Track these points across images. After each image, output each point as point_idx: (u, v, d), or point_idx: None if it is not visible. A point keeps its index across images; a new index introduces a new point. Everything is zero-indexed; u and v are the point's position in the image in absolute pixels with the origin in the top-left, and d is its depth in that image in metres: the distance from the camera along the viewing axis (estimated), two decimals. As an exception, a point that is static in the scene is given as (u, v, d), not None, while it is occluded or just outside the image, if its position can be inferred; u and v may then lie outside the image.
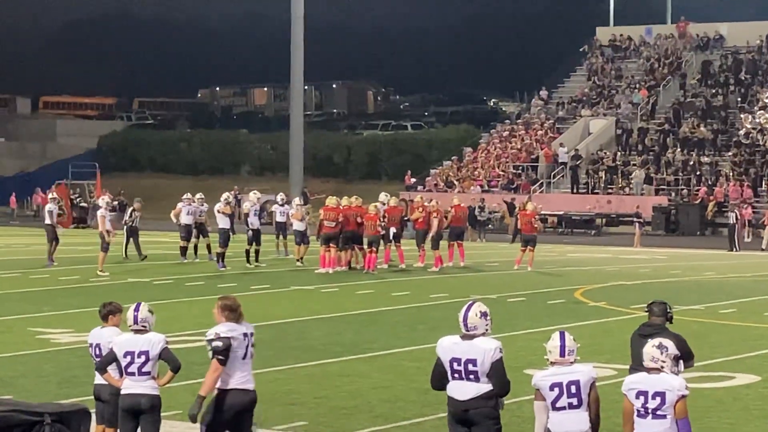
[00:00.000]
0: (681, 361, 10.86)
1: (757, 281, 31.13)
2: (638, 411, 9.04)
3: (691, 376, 10.83)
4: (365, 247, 31.43)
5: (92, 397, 11.17)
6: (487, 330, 9.74)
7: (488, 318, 9.75)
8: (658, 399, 8.98)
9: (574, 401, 9.18)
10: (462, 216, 34.72)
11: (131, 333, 10.54)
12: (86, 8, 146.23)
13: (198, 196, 34.73)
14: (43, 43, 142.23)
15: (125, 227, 34.44)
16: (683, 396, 9.03)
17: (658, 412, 8.98)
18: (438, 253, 32.37)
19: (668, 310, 11.32)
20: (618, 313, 23.39)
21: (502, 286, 27.96)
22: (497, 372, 9.53)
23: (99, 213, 30.75)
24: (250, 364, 10.25)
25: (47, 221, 32.37)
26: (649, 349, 9.23)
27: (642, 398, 9.02)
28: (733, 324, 22.09)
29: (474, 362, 9.55)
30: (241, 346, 10.17)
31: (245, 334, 10.24)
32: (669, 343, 9.29)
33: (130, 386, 10.43)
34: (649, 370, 9.15)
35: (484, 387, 9.54)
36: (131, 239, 34.06)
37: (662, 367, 9.15)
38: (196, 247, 34.29)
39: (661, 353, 9.18)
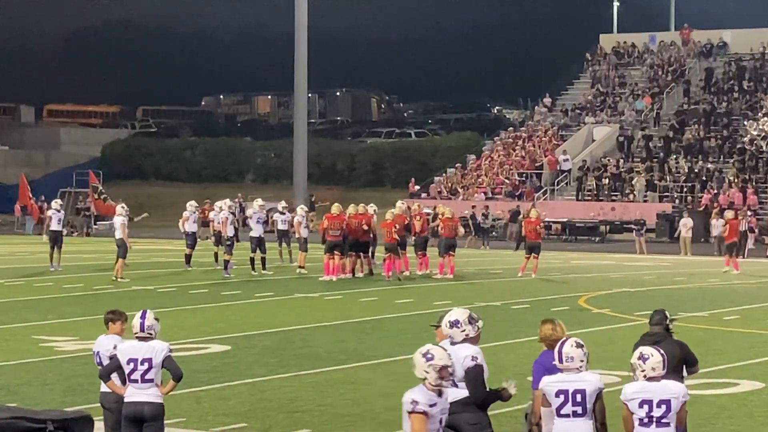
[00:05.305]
0: (684, 367, 10.86)
1: (762, 288, 31.10)
2: (641, 420, 9.00)
3: (696, 383, 10.83)
4: (372, 253, 31.50)
5: (97, 404, 11.16)
6: (467, 336, 9.80)
7: (462, 325, 9.82)
8: (664, 407, 8.95)
9: (579, 410, 9.15)
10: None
11: (135, 340, 10.51)
12: (90, 17, 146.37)
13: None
14: (46, 51, 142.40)
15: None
16: (685, 402, 9.04)
17: (663, 420, 8.95)
18: (442, 261, 32.39)
19: (667, 319, 11.21)
20: (622, 320, 23.37)
21: (506, 293, 27.95)
22: (469, 379, 9.60)
23: (119, 220, 30.71)
24: None
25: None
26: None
27: (646, 407, 8.97)
28: (738, 331, 22.08)
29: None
30: None
31: None
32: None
33: (133, 394, 10.39)
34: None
35: (462, 392, 9.57)
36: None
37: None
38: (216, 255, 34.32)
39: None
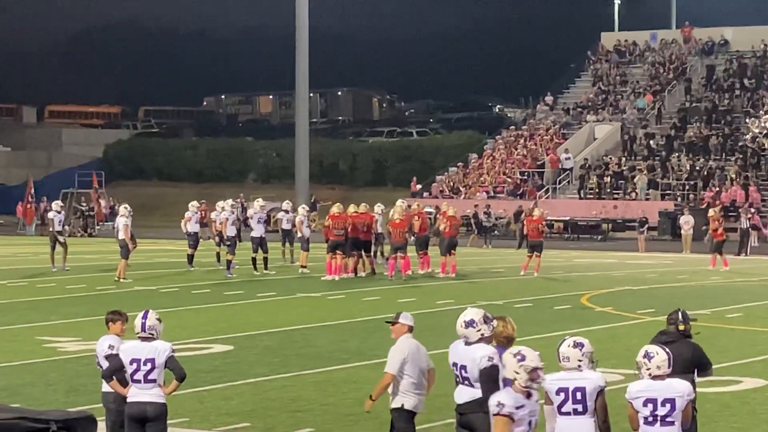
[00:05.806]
0: (697, 370, 10.75)
1: (764, 285, 31.06)
2: (646, 418, 8.99)
3: (699, 380, 10.77)
4: (375, 253, 31.51)
5: (99, 404, 11.17)
6: (482, 336, 9.80)
7: (477, 324, 9.82)
8: (668, 405, 8.93)
9: (579, 407, 9.15)
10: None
11: (138, 340, 10.52)
12: (91, 17, 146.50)
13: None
14: (48, 52, 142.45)
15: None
16: (690, 400, 9.03)
17: (668, 419, 8.93)
18: (444, 260, 32.38)
19: (680, 320, 11.02)
20: (624, 318, 23.37)
21: (508, 292, 27.94)
22: (484, 380, 9.61)
23: (121, 221, 30.76)
24: None
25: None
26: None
27: (651, 405, 8.96)
28: (740, 329, 22.08)
29: (465, 368, 9.66)
30: None
31: None
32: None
33: (136, 394, 10.39)
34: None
35: (478, 392, 9.57)
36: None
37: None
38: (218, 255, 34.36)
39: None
